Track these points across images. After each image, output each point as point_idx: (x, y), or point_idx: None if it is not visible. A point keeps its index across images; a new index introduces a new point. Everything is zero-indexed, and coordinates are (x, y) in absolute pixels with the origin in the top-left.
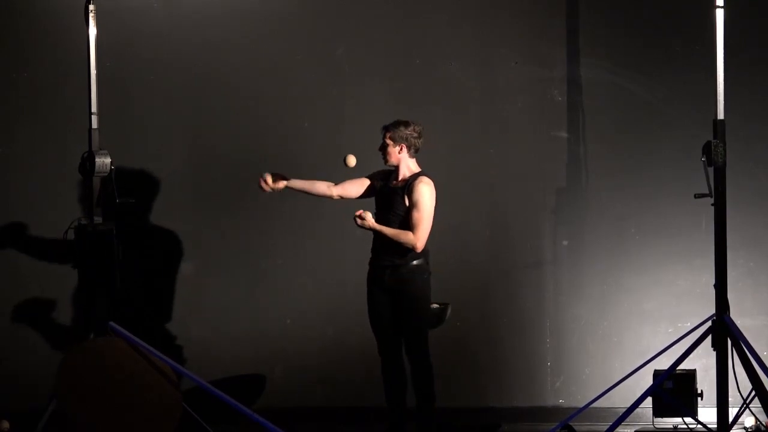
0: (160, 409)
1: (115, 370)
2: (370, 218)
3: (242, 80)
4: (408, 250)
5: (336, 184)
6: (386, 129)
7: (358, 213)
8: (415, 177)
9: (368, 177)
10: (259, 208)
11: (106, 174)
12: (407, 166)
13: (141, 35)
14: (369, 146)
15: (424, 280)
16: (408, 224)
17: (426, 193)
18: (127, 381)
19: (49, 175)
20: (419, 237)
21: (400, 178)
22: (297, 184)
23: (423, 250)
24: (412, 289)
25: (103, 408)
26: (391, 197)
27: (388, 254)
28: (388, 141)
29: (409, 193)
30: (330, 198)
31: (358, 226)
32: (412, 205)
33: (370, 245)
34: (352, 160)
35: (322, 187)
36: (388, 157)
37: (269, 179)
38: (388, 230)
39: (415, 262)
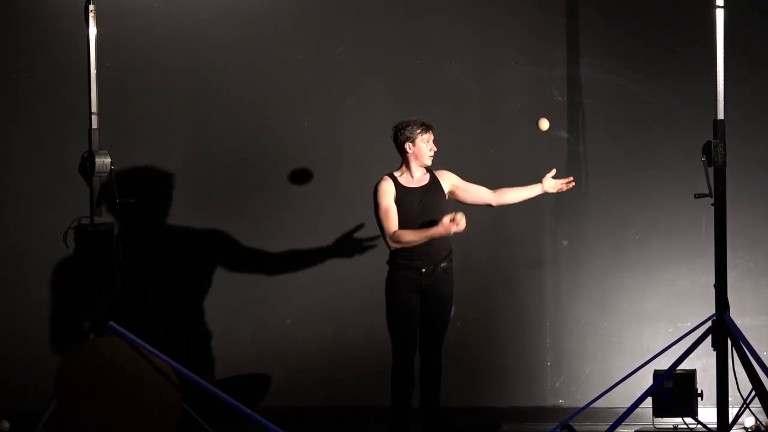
0: (160, 409)
1: (115, 370)
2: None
3: (242, 80)
4: (444, 253)
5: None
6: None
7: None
8: (430, 170)
9: (393, 201)
10: (259, 208)
11: (106, 174)
12: None
13: (141, 35)
14: (369, 146)
15: (452, 281)
16: (476, 191)
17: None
18: (127, 381)
19: (49, 175)
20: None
21: (422, 174)
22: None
23: (450, 251)
24: (445, 290)
25: (103, 408)
26: (430, 196)
27: (426, 258)
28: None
29: (444, 180)
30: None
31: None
32: (461, 183)
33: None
34: (544, 124)
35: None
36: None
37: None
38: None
39: (445, 264)
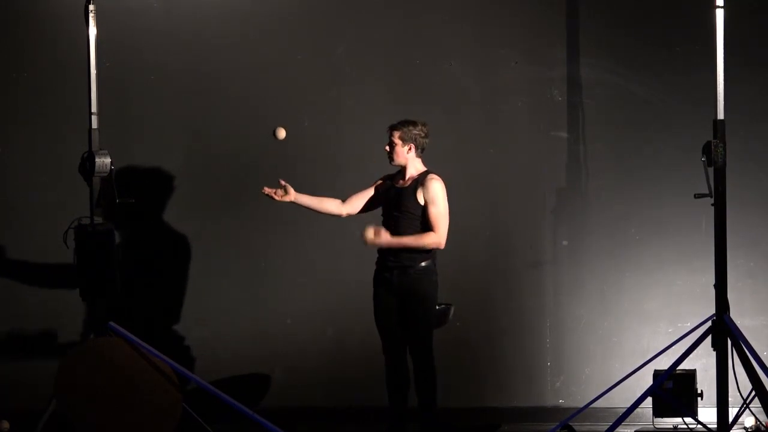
0: (160, 409)
1: (115, 370)
2: (385, 234)
3: (242, 80)
4: (416, 251)
5: (344, 201)
6: (394, 128)
7: (369, 230)
8: (424, 175)
9: (373, 187)
10: (260, 208)
11: (106, 174)
12: (414, 165)
13: (141, 35)
14: (369, 146)
15: (431, 282)
16: (426, 223)
17: (440, 190)
18: (127, 381)
19: (49, 175)
20: (441, 234)
21: (407, 177)
22: (304, 200)
23: (430, 252)
24: (420, 291)
25: (103, 408)
26: (399, 197)
27: (397, 255)
28: (397, 140)
29: (424, 191)
30: (338, 216)
31: (369, 243)
32: (429, 203)
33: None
34: (281, 133)
35: (332, 206)
36: (395, 157)
37: (280, 191)
38: (408, 240)
39: (423, 264)
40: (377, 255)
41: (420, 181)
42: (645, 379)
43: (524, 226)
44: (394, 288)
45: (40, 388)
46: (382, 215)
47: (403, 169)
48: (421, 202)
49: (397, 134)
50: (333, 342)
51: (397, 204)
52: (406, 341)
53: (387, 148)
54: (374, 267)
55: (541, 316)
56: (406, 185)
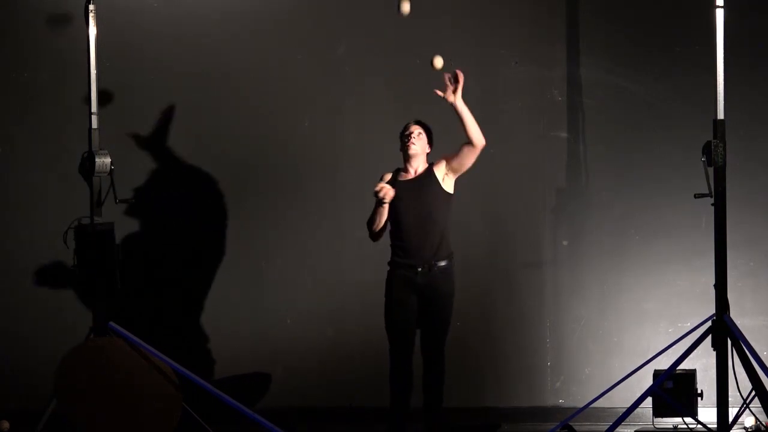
0: (160, 409)
1: (115, 370)
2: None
3: (242, 80)
4: (441, 252)
5: None
6: (424, 125)
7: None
8: (429, 162)
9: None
10: (259, 208)
11: (106, 174)
12: (424, 161)
13: (141, 35)
14: (369, 146)
15: (452, 281)
16: (461, 150)
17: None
18: (127, 381)
19: (49, 175)
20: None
21: (420, 170)
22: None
23: (450, 253)
24: (444, 290)
25: (103, 408)
26: (421, 189)
27: (420, 255)
28: (424, 133)
29: (439, 165)
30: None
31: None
32: (450, 156)
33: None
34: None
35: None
36: (417, 146)
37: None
38: (466, 115)
39: (443, 263)
40: (392, 254)
41: (429, 167)
42: (645, 379)
43: (524, 226)
44: (417, 287)
45: (40, 388)
46: (406, 207)
47: (407, 165)
48: (441, 175)
49: (426, 131)
50: (333, 342)
51: (420, 195)
52: (424, 341)
53: (414, 130)
54: (385, 267)
55: (541, 316)
56: (421, 176)
